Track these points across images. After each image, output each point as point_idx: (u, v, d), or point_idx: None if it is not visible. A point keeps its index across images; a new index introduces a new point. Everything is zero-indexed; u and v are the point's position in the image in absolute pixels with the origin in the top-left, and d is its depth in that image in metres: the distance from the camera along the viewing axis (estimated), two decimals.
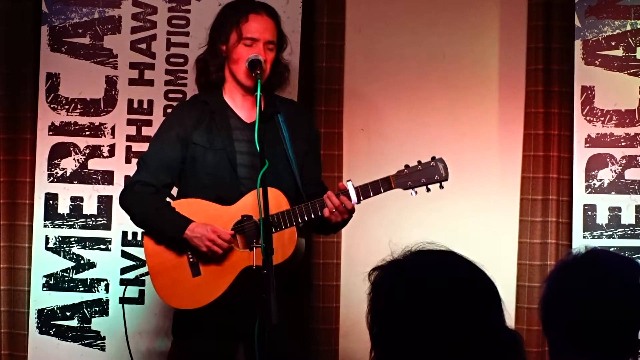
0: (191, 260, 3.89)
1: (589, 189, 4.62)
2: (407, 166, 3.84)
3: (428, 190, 3.82)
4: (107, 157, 4.71)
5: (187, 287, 3.89)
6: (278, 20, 3.99)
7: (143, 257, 4.66)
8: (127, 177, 4.69)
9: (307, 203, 3.81)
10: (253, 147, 3.79)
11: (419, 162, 3.82)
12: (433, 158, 3.84)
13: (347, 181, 3.83)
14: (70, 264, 4.67)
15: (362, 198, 3.81)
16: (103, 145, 4.71)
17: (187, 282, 3.88)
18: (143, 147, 4.70)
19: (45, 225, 4.68)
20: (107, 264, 4.68)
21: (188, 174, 3.97)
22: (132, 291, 4.67)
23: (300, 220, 3.81)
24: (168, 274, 3.91)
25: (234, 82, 3.97)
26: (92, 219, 4.69)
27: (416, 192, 3.81)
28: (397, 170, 3.83)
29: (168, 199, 4.01)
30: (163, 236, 3.92)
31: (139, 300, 4.68)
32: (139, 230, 4.68)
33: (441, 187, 3.81)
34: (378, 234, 4.66)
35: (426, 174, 3.81)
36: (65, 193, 4.68)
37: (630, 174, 4.61)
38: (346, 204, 3.78)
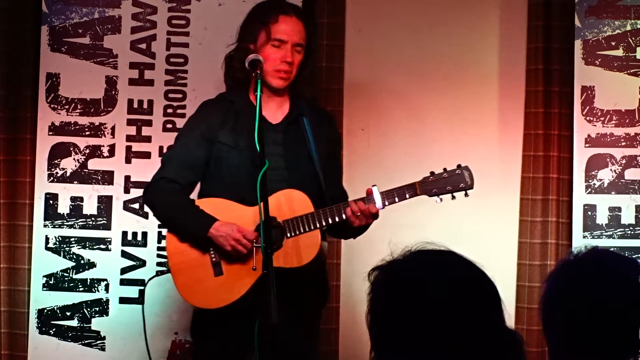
0: (214, 259, 3.87)
1: (589, 189, 4.62)
2: (432, 173, 3.83)
3: (453, 197, 3.82)
4: (107, 157, 4.71)
5: (208, 286, 3.87)
6: (308, 23, 3.97)
7: (143, 257, 4.68)
8: (127, 177, 4.70)
9: (332, 206, 3.81)
10: (278, 147, 3.86)
11: (445, 169, 3.82)
12: (459, 166, 3.83)
13: (373, 186, 3.83)
14: (70, 264, 4.68)
15: (387, 203, 3.81)
16: (103, 145, 4.71)
17: (208, 281, 3.87)
18: (143, 147, 4.71)
19: (45, 225, 4.68)
20: (107, 264, 4.68)
21: (212, 173, 3.95)
22: (132, 291, 4.68)
23: (324, 223, 3.81)
24: (190, 273, 3.89)
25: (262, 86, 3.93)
26: (92, 219, 4.69)
27: (441, 200, 3.81)
28: (423, 177, 3.81)
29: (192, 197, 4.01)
30: (186, 234, 3.89)
31: (139, 300, 4.67)
32: (139, 231, 4.69)
33: (466, 195, 3.80)
34: (378, 234, 4.66)
35: (452, 182, 3.81)
36: (65, 193, 4.68)
37: (630, 174, 4.61)
38: (371, 208, 3.79)
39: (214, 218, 3.83)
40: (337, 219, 3.81)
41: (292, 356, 3.84)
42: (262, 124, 3.81)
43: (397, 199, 3.81)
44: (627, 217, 4.60)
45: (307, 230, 3.80)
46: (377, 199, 3.79)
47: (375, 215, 3.82)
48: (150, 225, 4.68)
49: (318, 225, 3.81)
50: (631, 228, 4.59)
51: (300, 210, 3.80)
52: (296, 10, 3.95)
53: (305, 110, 3.99)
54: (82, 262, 4.68)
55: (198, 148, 3.94)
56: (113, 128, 4.71)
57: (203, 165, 3.95)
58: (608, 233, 4.60)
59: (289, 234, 3.82)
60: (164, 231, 4.67)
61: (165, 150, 4.66)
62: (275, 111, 3.98)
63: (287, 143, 3.94)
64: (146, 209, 4.66)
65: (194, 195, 4.04)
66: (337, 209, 3.81)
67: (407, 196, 3.81)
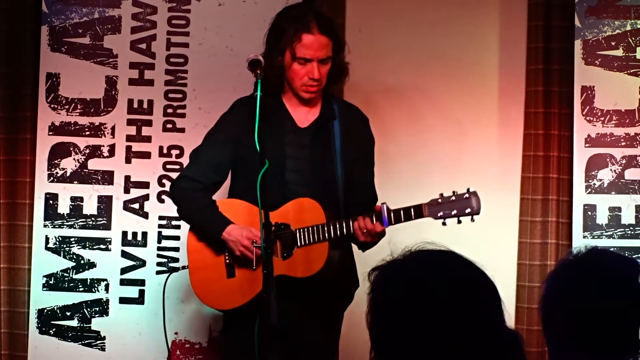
0: (227, 261, 3.94)
1: (589, 189, 4.62)
2: (441, 195, 3.81)
3: (459, 222, 3.80)
4: (107, 157, 4.71)
5: (220, 287, 3.95)
6: (331, 31, 3.95)
7: (143, 257, 4.69)
8: (127, 177, 4.70)
9: (342, 220, 3.83)
10: (305, 151, 3.92)
11: (454, 192, 3.79)
12: (468, 190, 3.81)
13: (382, 204, 3.82)
14: (70, 264, 4.68)
15: (393, 222, 3.81)
16: (103, 145, 4.71)
17: (221, 282, 3.94)
18: (143, 147, 4.71)
19: (45, 225, 4.68)
20: (107, 264, 4.68)
21: (238, 174, 4.02)
22: (132, 291, 4.68)
23: (332, 235, 3.83)
24: (205, 272, 3.97)
25: (291, 91, 3.98)
26: (92, 219, 4.69)
27: (446, 223, 3.80)
28: (431, 199, 3.80)
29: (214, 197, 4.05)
30: (203, 234, 3.98)
31: (139, 300, 4.68)
32: (139, 231, 4.69)
33: (472, 220, 3.80)
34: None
35: (458, 206, 3.78)
36: (65, 193, 4.68)
37: (630, 174, 4.61)
38: (376, 227, 3.79)
39: (229, 221, 3.90)
40: (345, 232, 3.82)
41: (310, 345, 3.91)
42: (290, 127, 3.87)
43: (403, 219, 3.80)
44: (627, 217, 4.59)
45: (316, 241, 3.84)
46: (384, 218, 3.80)
47: (381, 234, 3.83)
48: (150, 225, 4.69)
49: (327, 236, 3.83)
50: (631, 228, 4.59)
51: (311, 220, 3.84)
52: (319, 24, 3.92)
53: (337, 113, 4.02)
54: (82, 262, 4.68)
55: (224, 149, 3.99)
56: (113, 128, 4.71)
57: (228, 166, 4.02)
58: (608, 233, 4.59)
59: (299, 243, 3.85)
60: (164, 231, 4.68)
61: (165, 150, 4.68)
62: (306, 115, 4.01)
63: (313, 147, 3.97)
64: (147, 208, 4.67)
65: (223, 194, 4.09)
66: (346, 222, 3.82)
67: (414, 217, 3.80)
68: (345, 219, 3.84)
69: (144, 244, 4.70)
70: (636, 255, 4.52)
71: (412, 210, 3.79)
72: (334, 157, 3.96)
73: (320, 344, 4.00)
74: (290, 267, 3.85)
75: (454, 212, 3.77)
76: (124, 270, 4.69)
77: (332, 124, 4.00)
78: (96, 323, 4.67)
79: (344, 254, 3.97)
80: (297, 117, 3.99)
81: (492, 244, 4.77)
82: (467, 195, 3.77)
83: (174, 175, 4.65)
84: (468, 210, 3.77)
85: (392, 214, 3.79)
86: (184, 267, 4.20)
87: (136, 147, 4.71)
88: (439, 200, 3.78)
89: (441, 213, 3.78)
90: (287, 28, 3.91)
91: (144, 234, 4.70)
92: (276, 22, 4.00)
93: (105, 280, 4.68)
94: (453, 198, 3.78)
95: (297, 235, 3.85)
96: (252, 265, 3.86)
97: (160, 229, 4.67)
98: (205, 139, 4.07)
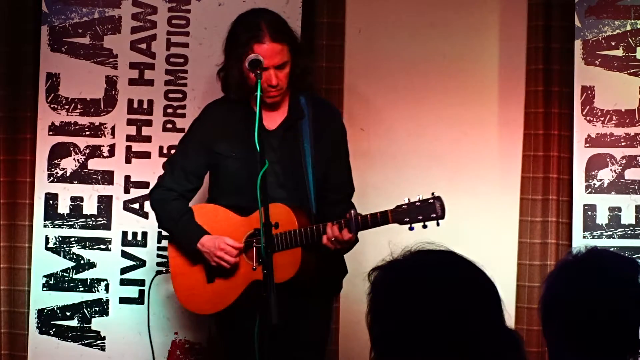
0: (206, 267, 4.00)
1: (589, 189, 4.62)
2: (408, 200, 3.82)
3: (424, 226, 3.81)
4: (107, 157, 4.71)
5: (201, 293, 4.01)
6: (285, 36, 3.94)
7: (143, 257, 4.69)
8: (127, 177, 4.70)
9: (312, 226, 3.84)
10: (274, 153, 3.92)
11: (419, 197, 3.80)
12: (432, 194, 3.82)
13: (351, 211, 3.83)
14: (70, 264, 4.67)
15: (361, 228, 3.82)
16: (103, 145, 4.71)
17: (202, 288, 4.01)
18: (143, 147, 4.71)
19: (45, 225, 4.68)
20: (107, 264, 4.68)
21: (213, 180, 4.07)
22: (132, 291, 4.68)
23: (304, 242, 3.84)
24: (186, 278, 4.04)
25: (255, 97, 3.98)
26: (92, 219, 4.69)
27: (413, 228, 3.80)
28: (396, 205, 3.82)
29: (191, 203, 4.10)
30: (179, 245, 4.05)
31: (139, 300, 4.68)
32: (139, 231, 4.70)
33: (438, 224, 3.80)
34: (378, 234, 4.66)
35: (423, 211, 3.79)
36: (65, 193, 4.68)
37: (630, 174, 4.61)
38: (344, 234, 3.80)
39: (202, 232, 3.96)
40: (316, 239, 3.83)
41: (300, 345, 3.95)
42: (259, 130, 3.84)
43: (370, 225, 3.82)
44: (627, 217, 4.59)
45: (288, 247, 3.84)
46: (352, 225, 3.80)
47: (350, 242, 3.83)
48: (150, 225, 4.68)
49: (298, 243, 3.84)
50: (631, 228, 4.59)
51: (283, 226, 3.83)
52: (270, 33, 3.89)
53: (307, 111, 4.02)
54: (82, 262, 4.68)
55: (197, 156, 4.04)
56: (113, 128, 4.71)
57: (202, 172, 4.07)
58: (608, 233, 4.59)
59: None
60: (164, 231, 4.68)
61: (165, 150, 4.68)
62: (273, 117, 4.02)
63: (283, 148, 3.98)
64: (147, 209, 4.68)
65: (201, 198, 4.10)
66: (317, 229, 3.82)
67: (380, 223, 3.81)
68: (316, 224, 3.84)
69: (144, 244, 4.70)
70: (636, 255, 4.52)
71: (377, 216, 3.80)
72: (304, 157, 3.97)
73: (309, 342, 4.01)
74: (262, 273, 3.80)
75: (419, 217, 3.79)
76: (124, 270, 4.69)
77: (301, 124, 4.00)
78: (96, 323, 4.67)
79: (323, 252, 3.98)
80: (265, 120, 3.97)
81: (492, 244, 4.77)
82: (431, 200, 3.79)
83: None
84: (433, 215, 3.79)
85: (360, 221, 3.80)
86: (167, 271, 4.25)
87: (136, 147, 4.71)
88: (404, 206, 3.80)
89: (406, 219, 3.80)
90: (241, 37, 3.92)
91: (144, 234, 4.70)
92: (231, 30, 4.00)
93: (105, 280, 4.68)
94: (418, 203, 3.80)
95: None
96: (230, 272, 3.93)
97: (160, 229, 4.67)
98: (178, 146, 4.14)
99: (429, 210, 3.79)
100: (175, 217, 4.03)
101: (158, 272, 4.53)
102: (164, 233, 4.67)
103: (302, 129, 3.99)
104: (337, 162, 4.08)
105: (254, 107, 3.90)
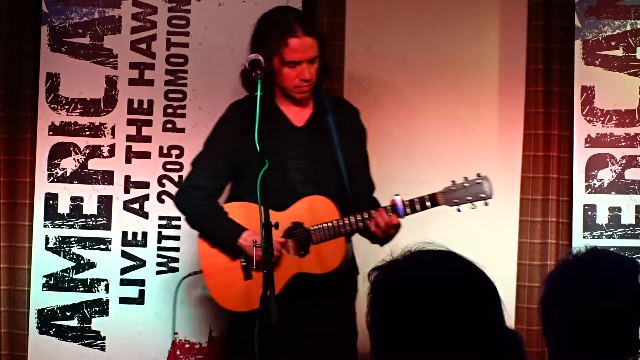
0: (243, 263, 3.99)
1: (589, 189, 4.62)
2: (453, 182, 3.86)
3: (473, 207, 3.85)
4: (107, 157, 4.70)
5: (239, 290, 3.99)
6: (314, 30, 4.02)
7: (143, 257, 4.69)
8: (127, 177, 4.70)
9: (357, 214, 3.88)
10: (302, 149, 3.97)
11: (465, 178, 3.84)
12: (478, 175, 3.85)
13: (396, 195, 3.85)
14: (70, 264, 4.67)
15: (409, 212, 3.86)
16: (103, 145, 4.70)
17: (239, 285, 3.99)
18: (143, 147, 4.71)
19: (45, 225, 4.68)
20: (107, 264, 4.68)
21: (242, 177, 4.05)
22: (132, 291, 4.68)
23: (349, 231, 3.90)
24: (221, 276, 4.02)
25: (282, 93, 4.03)
26: (92, 219, 4.69)
27: (460, 210, 3.83)
28: (444, 187, 3.85)
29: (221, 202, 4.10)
30: (217, 242, 4.02)
31: (139, 300, 4.68)
32: (139, 231, 4.69)
33: (486, 204, 3.83)
34: None
35: (472, 191, 3.85)
36: (65, 193, 4.68)
37: (630, 174, 4.61)
38: (392, 219, 3.84)
39: (242, 227, 3.95)
40: (362, 227, 3.88)
41: (332, 336, 3.98)
42: (286, 127, 3.92)
43: (419, 209, 3.86)
44: (627, 217, 4.59)
45: (332, 237, 3.89)
46: (400, 210, 3.82)
47: (397, 227, 3.88)
48: (150, 225, 4.69)
49: (343, 232, 3.89)
50: (631, 228, 4.59)
51: (325, 217, 3.89)
52: (302, 27, 3.97)
53: (329, 108, 4.07)
54: (82, 262, 4.68)
55: (224, 156, 4.05)
56: (113, 128, 4.71)
57: (230, 170, 4.07)
58: (608, 233, 4.59)
59: (315, 240, 3.91)
60: (164, 231, 4.68)
61: (165, 150, 4.68)
62: (300, 113, 4.06)
63: (312, 144, 4.03)
64: (147, 208, 4.67)
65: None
66: (362, 217, 3.87)
67: (429, 205, 3.86)
68: (359, 212, 3.88)
69: (144, 244, 4.69)
70: (636, 255, 4.52)
71: (426, 199, 3.82)
72: (335, 151, 4.01)
73: (341, 334, 4.04)
74: (309, 265, 3.91)
75: (468, 197, 3.84)
76: (124, 270, 4.69)
77: (327, 119, 4.05)
78: (96, 323, 4.67)
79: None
80: (292, 116, 4.04)
81: (492, 244, 4.77)
82: (479, 180, 3.84)
83: (174, 175, 4.65)
84: (482, 195, 3.85)
85: (406, 205, 3.81)
86: (196, 273, 4.24)
87: (136, 147, 4.71)
88: (452, 187, 3.83)
89: (456, 200, 3.84)
90: (272, 34, 3.95)
91: (144, 234, 4.70)
92: (259, 29, 4.04)
93: (105, 280, 4.68)
94: (466, 184, 3.84)
95: (313, 232, 3.90)
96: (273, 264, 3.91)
97: (160, 229, 4.67)
98: (205, 145, 4.13)
99: (477, 190, 3.84)
100: (210, 215, 4.02)
101: (190, 274, 4.43)
102: (165, 233, 4.67)
103: (329, 124, 4.03)
104: (361, 156, 4.15)
105: (278, 104, 4.02)
